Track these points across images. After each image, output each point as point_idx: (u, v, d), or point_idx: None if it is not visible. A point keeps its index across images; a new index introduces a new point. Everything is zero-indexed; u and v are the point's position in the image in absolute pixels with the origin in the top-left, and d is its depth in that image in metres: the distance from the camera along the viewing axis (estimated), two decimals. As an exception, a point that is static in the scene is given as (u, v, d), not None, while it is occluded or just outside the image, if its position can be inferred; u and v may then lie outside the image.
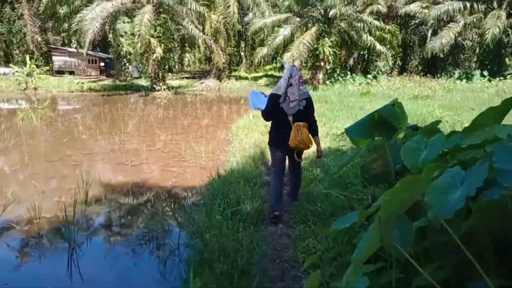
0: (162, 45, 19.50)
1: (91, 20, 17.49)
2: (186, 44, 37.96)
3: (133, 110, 14.31)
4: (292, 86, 3.66)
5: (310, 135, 3.74)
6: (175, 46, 42.41)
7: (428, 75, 24.17)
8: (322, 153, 4.16)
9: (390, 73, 27.82)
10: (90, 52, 33.43)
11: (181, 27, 19.95)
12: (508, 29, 22.90)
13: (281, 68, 31.01)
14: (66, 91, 21.71)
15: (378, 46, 23.19)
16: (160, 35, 19.53)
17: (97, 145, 8.45)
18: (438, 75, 26.05)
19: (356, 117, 9.93)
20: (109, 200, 5.03)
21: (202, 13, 18.43)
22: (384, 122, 3.05)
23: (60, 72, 31.35)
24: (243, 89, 24.25)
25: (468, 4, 24.62)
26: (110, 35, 24.27)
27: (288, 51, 21.74)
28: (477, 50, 28.36)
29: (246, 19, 31.78)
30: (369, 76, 25.03)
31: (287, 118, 3.68)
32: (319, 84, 23.11)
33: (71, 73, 31.99)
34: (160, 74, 20.52)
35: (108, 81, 27.71)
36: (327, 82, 24.18)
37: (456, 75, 24.58)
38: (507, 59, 24.28)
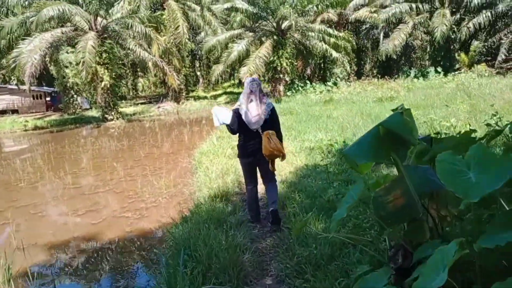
0: (110, 71, 18.18)
1: (29, 52, 15.89)
2: (138, 69, 36.63)
3: (82, 146, 12.91)
4: (252, 101, 3.66)
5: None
6: (126, 72, 41.02)
7: (386, 77, 24.40)
8: (285, 155, 3.96)
9: (348, 78, 27.96)
10: (33, 87, 31.30)
11: (129, 51, 18.75)
12: (454, 26, 23.71)
13: (239, 83, 30.44)
14: (8, 132, 19.69)
15: (334, 53, 23.19)
16: (107, 61, 18.23)
17: (36, 193, 7.15)
18: (395, 76, 26.47)
19: (326, 126, 9.29)
20: (37, 274, 3.85)
21: (148, 35, 17.34)
22: (393, 137, 2.23)
23: (2, 112, 28.83)
24: (203, 109, 23.29)
25: (413, 5, 25.41)
26: (52, 68, 22.59)
27: (244, 66, 21.16)
28: (428, 48, 29.35)
29: (198, 38, 31.11)
30: (329, 83, 24.94)
31: (255, 129, 3.68)
32: (281, 96, 22.65)
33: (14, 111, 29.53)
34: (111, 102, 19.09)
35: (55, 116, 25.74)
36: (288, 93, 23.78)
37: (412, 74, 25.04)
38: (456, 54, 25.09)
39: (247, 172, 3.97)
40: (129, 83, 49.84)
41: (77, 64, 16.94)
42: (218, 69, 26.13)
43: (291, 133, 8.70)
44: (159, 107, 25.20)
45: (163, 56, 20.39)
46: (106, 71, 18.17)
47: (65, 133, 17.68)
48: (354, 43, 26.70)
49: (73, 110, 25.83)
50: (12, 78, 26.06)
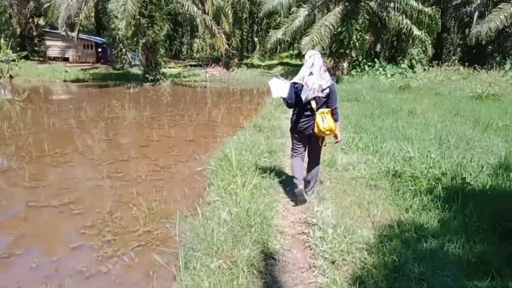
0: (155, 26, 16.09)
1: (65, -6, 14.20)
2: (195, 28, 34.60)
3: (98, 112, 10.91)
4: (312, 75, 3.56)
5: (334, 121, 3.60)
6: (181, 30, 39.10)
7: (476, 66, 20.02)
8: (341, 139, 4.06)
9: (430, 62, 23.73)
10: (84, 36, 30.49)
11: (177, 4, 16.44)
12: None
13: (299, 55, 27.13)
14: (46, 81, 18.65)
15: (416, 31, 19.23)
16: (153, 14, 16.12)
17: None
18: (485, 66, 21.82)
19: (412, 130, 6.40)
20: None
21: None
22: None
23: (55, 59, 28.40)
24: (254, 79, 20.68)
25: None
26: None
27: (307, 35, 18.07)
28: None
29: (259, -1, 28.09)
30: (403, 65, 21.08)
31: (310, 105, 3.60)
32: (343, 75, 19.43)
33: (66, 59, 28.99)
34: (153, 61, 17.14)
35: (102, 69, 24.61)
36: (353, 72, 20.46)
37: (508, 66, 20.41)
38: None
39: (296, 144, 3.90)
40: (185, 42, 48.44)
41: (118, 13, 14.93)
42: (275, 35, 23.26)
43: (360, 138, 5.99)
44: (207, 72, 23.05)
45: (217, 15, 17.85)
46: (150, 25, 16.09)
47: (100, 90, 16.13)
48: (440, 22, 22.23)
49: (121, 65, 24.53)
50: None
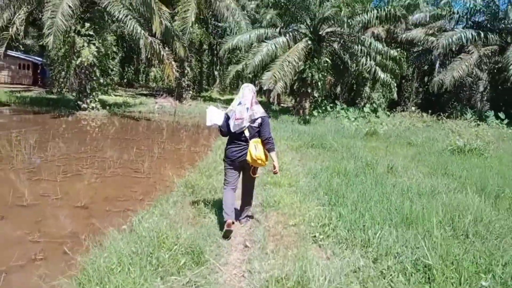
0: (92, 46, 13.74)
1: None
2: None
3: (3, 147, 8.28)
4: (240, 105, 3.68)
5: (265, 152, 3.70)
6: (132, 55, 36.66)
7: (440, 113, 19.47)
8: (278, 169, 3.83)
9: (388, 108, 23.22)
10: (20, 55, 27.36)
11: (121, 24, 14.29)
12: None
13: (260, 91, 25.81)
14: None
15: (381, 74, 18.46)
16: (91, 32, 13.82)
17: None
18: (445, 114, 21.45)
19: (405, 202, 4.55)
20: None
21: (148, 3, 12.69)
22: None
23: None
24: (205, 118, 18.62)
25: (482, 34, 20.69)
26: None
27: (268, 70, 16.57)
28: (482, 87, 24.55)
29: (219, 32, 26.87)
30: (365, 109, 20.16)
31: (244, 135, 3.70)
32: (306, 115, 17.99)
33: (-4, 79, 25.49)
34: (88, 87, 14.58)
35: (35, 93, 21.51)
36: (315, 113, 19.16)
37: (469, 116, 20.15)
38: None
39: (228, 174, 3.85)
40: (140, 70, 46.05)
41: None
42: (235, 69, 21.77)
43: (339, 216, 4.01)
44: (156, 103, 20.77)
45: (168, 39, 15.90)
46: (86, 45, 13.75)
47: (16, 117, 13.28)
48: (405, 66, 21.91)
49: (59, 89, 21.60)
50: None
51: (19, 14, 15.40)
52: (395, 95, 21.12)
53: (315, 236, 3.55)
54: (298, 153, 8.69)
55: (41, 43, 22.64)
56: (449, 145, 10.32)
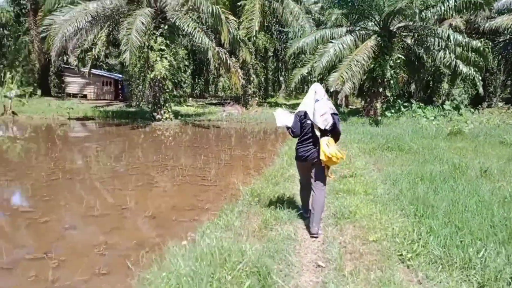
0: (164, 60, 14.43)
1: (63, 22, 12.74)
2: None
3: (74, 161, 8.90)
4: (319, 101, 3.59)
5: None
6: (202, 67, 38.15)
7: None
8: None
9: (470, 104, 20.92)
10: (103, 73, 29.98)
11: (191, 37, 14.77)
12: None
13: (327, 92, 24.99)
14: (50, 118, 17.24)
15: (463, 67, 16.64)
16: (163, 47, 14.54)
17: None
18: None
19: (499, 210, 3.79)
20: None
21: (217, 14, 12.94)
22: None
23: (74, 96, 27.64)
24: (274, 120, 18.41)
25: None
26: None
27: (335, 71, 15.89)
28: None
29: (284, 37, 26.74)
30: (446, 107, 18.36)
31: (314, 133, 3.65)
32: (377, 116, 16.90)
33: (84, 96, 28.22)
34: (162, 98, 15.34)
35: (116, 107, 23.37)
36: (387, 113, 17.93)
37: None
38: None
39: (303, 175, 3.93)
40: (210, 81, 47.79)
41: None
42: (300, 73, 21.33)
43: (430, 230, 3.43)
44: (224, 111, 21.19)
45: (234, 46, 16.12)
46: (159, 59, 14.48)
47: (100, 130, 14.42)
48: (490, 57, 19.56)
49: (137, 102, 23.20)
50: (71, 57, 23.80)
51: (101, 36, 16.73)
52: (481, 90, 18.76)
53: (401, 255, 3.03)
54: (372, 156, 7.99)
55: (120, 61, 24.64)
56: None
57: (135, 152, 9.51)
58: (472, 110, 18.67)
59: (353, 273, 2.70)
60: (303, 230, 3.75)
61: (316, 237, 3.53)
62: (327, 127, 3.49)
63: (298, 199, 4.54)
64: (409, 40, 19.44)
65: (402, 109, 19.23)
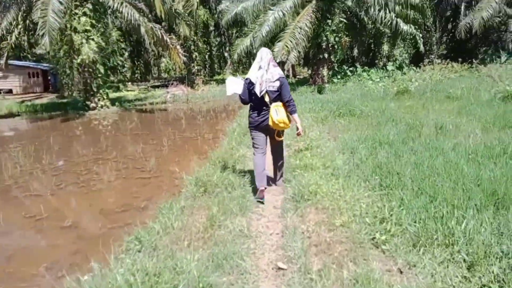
0: (91, 42, 12.90)
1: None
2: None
3: None
4: (261, 69, 3.65)
5: (288, 114, 3.68)
6: (140, 48, 35.85)
7: (471, 60, 17.62)
8: (302, 130, 3.85)
9: (411, 63, 21.47)
10: (28, 63, 27.00)
11: (117, 13, 13.29)
12: None
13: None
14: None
15: (403, 26, 16.75)
16: (88, 27, 12.95)
17: None
18: (475, 60, 19.41)
19: (480, 171, 3.49)
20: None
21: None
22: None
23: (-3, 91, 24.59)
24: (222, 96, 17.58)
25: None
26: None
27: (279, 41, 15.27)
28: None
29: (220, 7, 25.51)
30: (389, 67, 18.59)
31: (264, 100, 3.67)
32: (324, 83, 16.67)
33: (9, 91, 25.27)
34: (94, 85, 13.82)
35: (47, 99, 21.17)
36: (334, 80, 17.77)
37: (503, 59, 18.22)
38: None
39: (256, 141, 3.85)
40: (151, 63, 45.16)
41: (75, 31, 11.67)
42: (243, 44, 20.46)
43: (400, 203, 3.00)
44: (168, 92, 19.93)
45: (172, 20, 14.84)
46: (85, 41, 12.92)
47: (32, 126, 12.78)
48: (429, 13, 19.94)
49: (68, 92, 21.09)
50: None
51: (17, 22, 14.71)
52: (422, 47, 19.15)
53: (374, 238, 2.55)
54: (325, 124, 7.59)
55: (46, 49, 22.10)
56: (497, 92, 8.94)
57: (63, 148, 8.34)
58: (414, 68, 19.07)
59: (322, 273, 2.17)
60: (257, 221, 3.17)
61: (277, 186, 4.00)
62: (262, 93, 3.56)
63: (249, 181, 3.95)
64: (349, 2, 19.23)
65: (349, 73, 19.19)
